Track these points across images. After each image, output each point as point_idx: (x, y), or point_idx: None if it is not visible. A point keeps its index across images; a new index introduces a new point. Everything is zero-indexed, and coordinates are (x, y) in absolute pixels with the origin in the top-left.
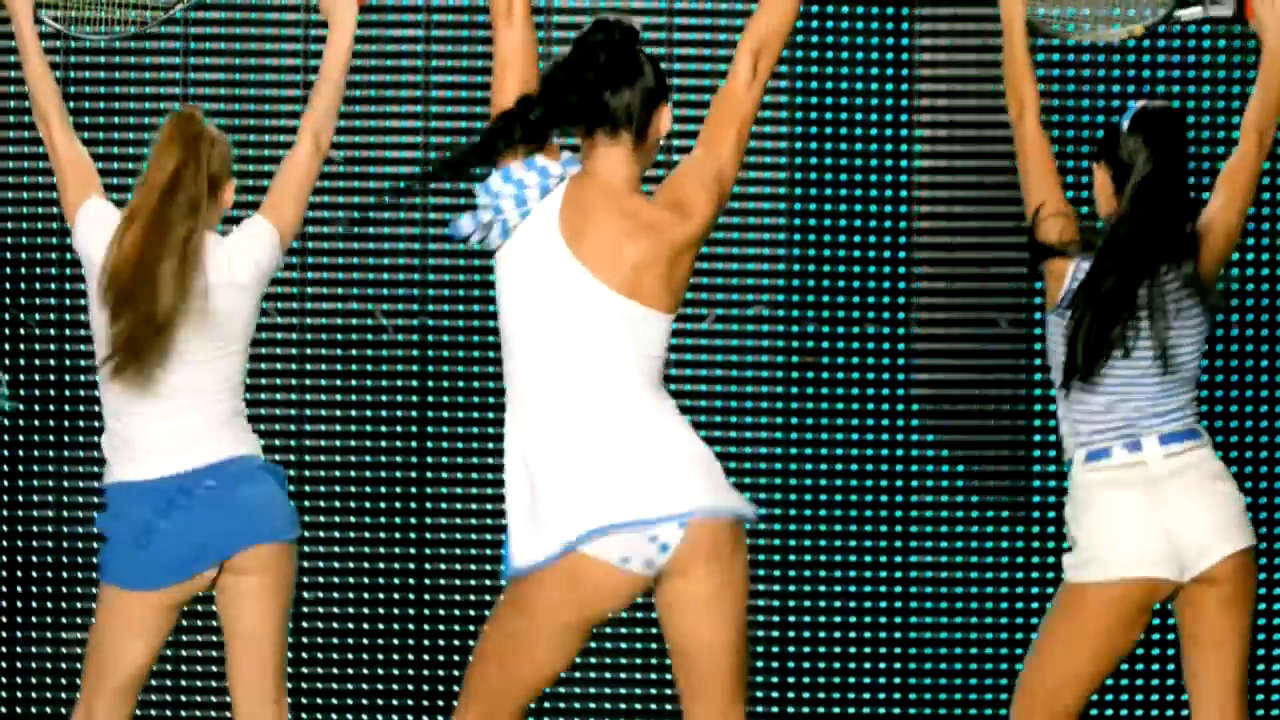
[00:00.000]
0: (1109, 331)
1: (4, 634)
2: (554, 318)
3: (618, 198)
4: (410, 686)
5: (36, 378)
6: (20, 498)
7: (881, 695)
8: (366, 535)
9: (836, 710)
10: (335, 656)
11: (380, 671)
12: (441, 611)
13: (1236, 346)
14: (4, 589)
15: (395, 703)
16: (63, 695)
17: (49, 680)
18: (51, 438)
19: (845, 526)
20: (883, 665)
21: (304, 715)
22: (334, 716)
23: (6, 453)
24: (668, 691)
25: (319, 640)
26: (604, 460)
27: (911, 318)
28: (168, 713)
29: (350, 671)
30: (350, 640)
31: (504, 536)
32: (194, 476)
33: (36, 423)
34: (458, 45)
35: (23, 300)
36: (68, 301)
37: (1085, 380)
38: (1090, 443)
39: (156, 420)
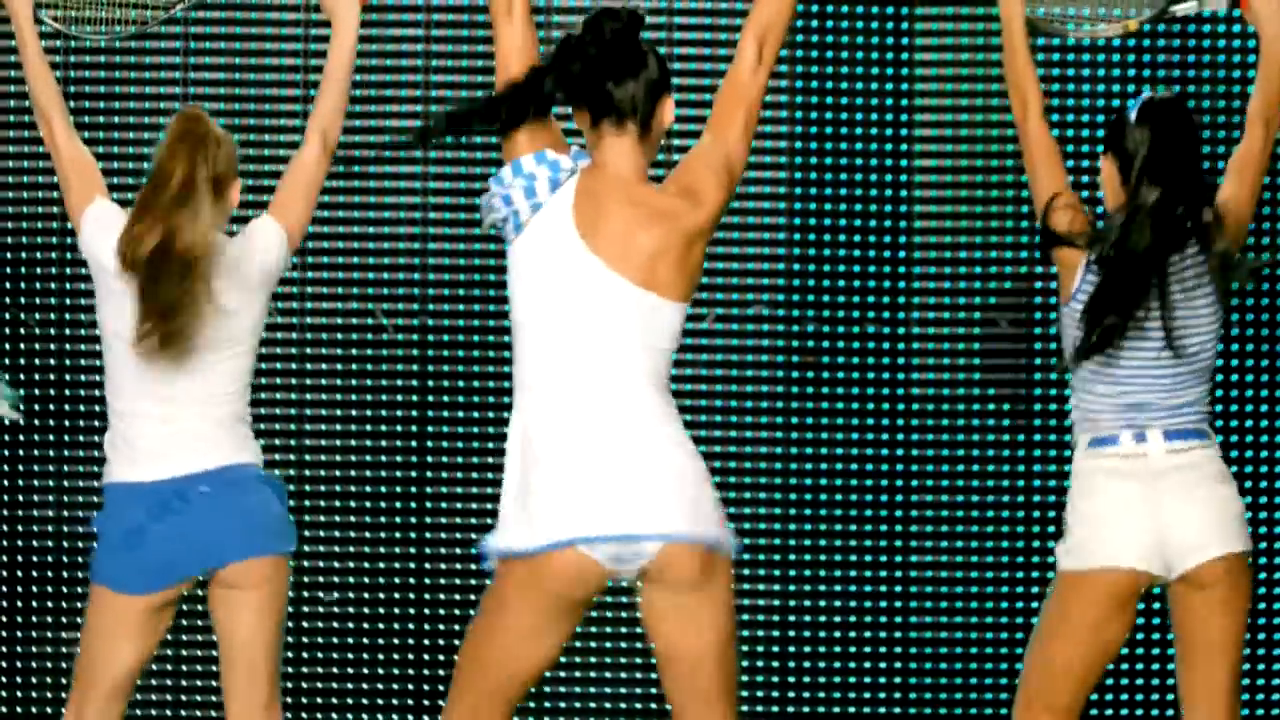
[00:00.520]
0: (1121, 314)
1: (4, 634)
2: (567, 310)
3: (628, 187)
4: (410, 686)
5: (36, 378)
6: (20, 497)
7: (881, 695)
8: (366, 535)
9: (836, 710)
10: (334, 656)
11: (380, 671)
12: (441, 611)
13: (1237, 346)
14: (4, 589)
15: (395, 702)
16: (62, 695)
17: (49, 680)
18: (51, 437)
19: (845, 526)
20: (883, 665)
21: (303, 715)
22: (334, 716)
23: (7, 453)
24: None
25: (318, 640)
26: (597, 465)
27: (911, 317)
28: (168, 712)
29: (349, 671)
30: (350, 640)
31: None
32: (191, 481)
33: (36, 422)
34: (458, 45)
35: (23, 300)
36: (68, 301)
37: (1098, 353)
38: (1097, 429)
39: (159, 423)
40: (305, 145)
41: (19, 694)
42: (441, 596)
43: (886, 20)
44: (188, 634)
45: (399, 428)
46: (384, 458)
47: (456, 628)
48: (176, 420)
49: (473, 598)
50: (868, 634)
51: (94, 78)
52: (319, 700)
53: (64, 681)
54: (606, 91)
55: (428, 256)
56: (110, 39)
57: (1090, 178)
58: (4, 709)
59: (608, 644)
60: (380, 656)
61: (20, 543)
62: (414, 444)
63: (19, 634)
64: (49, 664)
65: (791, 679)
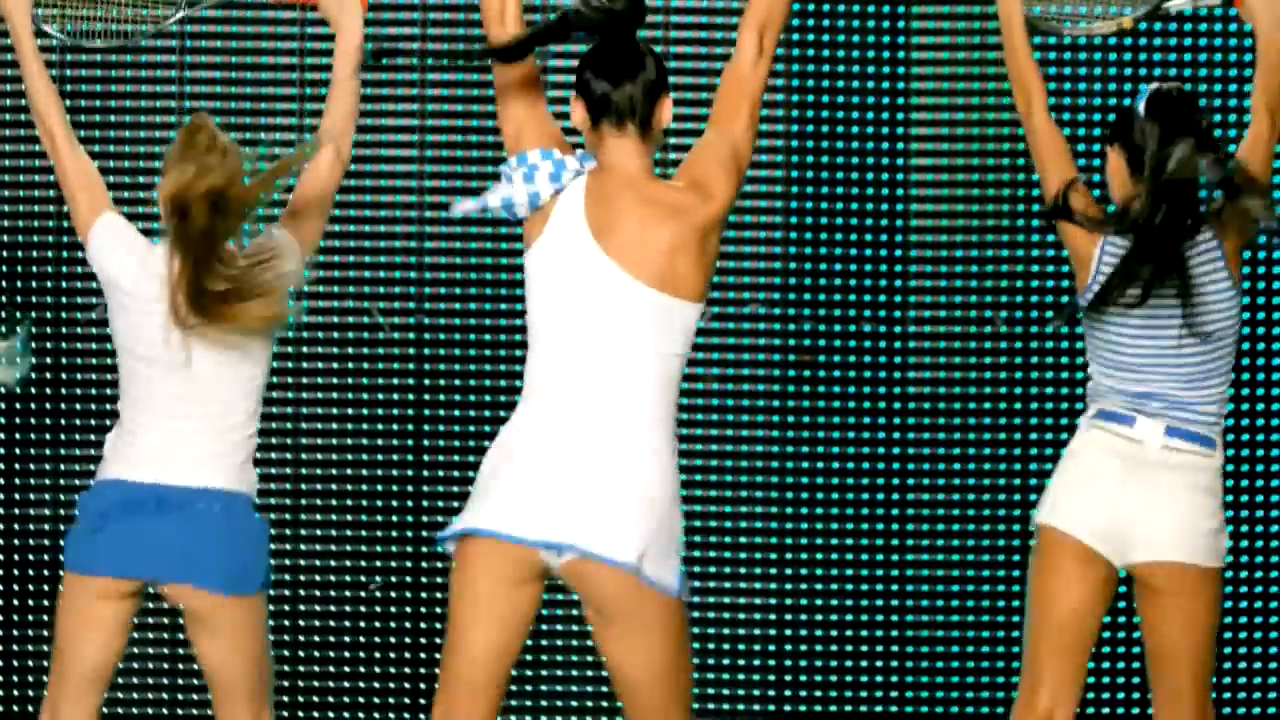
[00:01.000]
0: (1148, 269)
1: (3, 634)
2: (583, 315)
3: (638, 186)
4: (408, 686)
5: (35, 376)
6: (18, 496)
7: (880, 694)
8: (363, 534)
9: (836, 710)
10: (332, 655)
11: (378, 671)
12: (439, 610)
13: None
14: (3, 589)
15: (393, 701)
16: None
17: (48, 680)
18: (49, 437)
19: (842, 525)
20: (881, 664)
21: (301, 715)
22: (331, 715)
23: (4, 451)
24: None
25: (316, 639)
26: (561, 470)
27: (908, 317)
28: (164, 711)
29: (348, 670)
30: (347, 639)
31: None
32: (174, 492)
33: (34, 421)
34: (454, 45)
35: (22, 300)
36: (67, 301)
37: (1108, 305)
38: (1104, 400)
39: (166, 434)
40: (319, 159)
41: (17, 693)
42: (439, 596)
43: (883, 19)
44: (186, 633)
45: (395, 426)
46: (380, 457)
47: None
48: (182, 434)
49: None
50: (866, 633)
51: (91, 78)
52: (317, 700)
53: None
54: (605, 92)
55: (424, 255)
56: (107, 42)
57: (1088, 175)
58: (3, 709)
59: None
60: (377, 656)
61: (17, 542)
62: (410, 443)
63: (16, 633)
64: (47, 664)
65: (790, 678)
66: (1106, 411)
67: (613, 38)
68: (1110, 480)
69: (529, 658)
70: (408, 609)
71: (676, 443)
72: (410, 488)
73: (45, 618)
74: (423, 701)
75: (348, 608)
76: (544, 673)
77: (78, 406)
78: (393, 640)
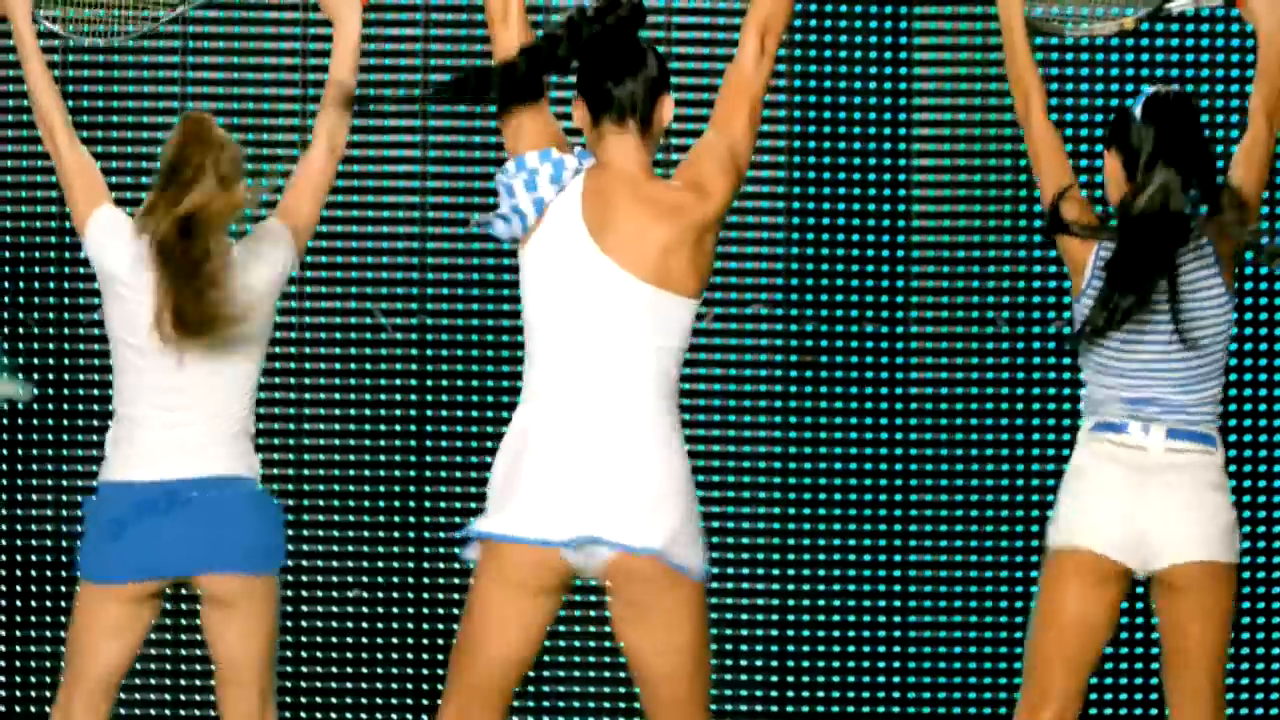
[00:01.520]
0: (1137, 289)
1: (4, 634)
2: (580, 311)
3: (636, 184)
4: (409, 686)
5: (36, 377)
6: (20, 497)
7: (881, 695)
8: (365, 535)
9: (836, 710)
10: (334, 656)
11: (379, 671)
12: (440, 611)
13: (1235, 345)
14: (4, 589)
15: (394, 702)
16: None
17: (49, 680)
18: (51, 437)
19: (844, 526)
20: (882, 665)
21: (303, 715)
22: (333, 716)
23: (6, 452)
24: None
25: (318, 640)
26: (580, 469)
27: (910, 317)
28: (167, 712)
29: (349, 671)
30: (349, 640)
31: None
32: (183, 485)
33: (36, 422)
34: (457, 45)
35: (22, 300)
36: (67, 301)
37: (1101, 334)
38: (1103, 414)
39: (162, 428)
40: (312, 147)
41: (18, 694)
42: (440, 596)
43: (885, 19)
44: (187, 634)
45: (398, 427)
46: (383, 457)
47: (455, 627)
48: (179, 426)
49: None
50: (867, 634)
51: (92, 77)
52: (318, 700)
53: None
54: (606, 89)
55: (426, 256)
56: (109, 39)
57: (1089, 176)
58: (3, 709)
59: (607, 643)
60: (379, 656)
61: (19, 543)
62: (413, 443)
63: (18, 634)
64: (49, 664)
65: (791, 679)
66: (1105, 423)
67: (614, 38)
68: (1121, 490)
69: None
70: (409, 609)
71: (682, 432)
72: (413, 488)
73: (47, 619)
74: (424, 702)
75: (349, 608)
76: (545, 673)
77: (80, 407)
78: (394, 640)
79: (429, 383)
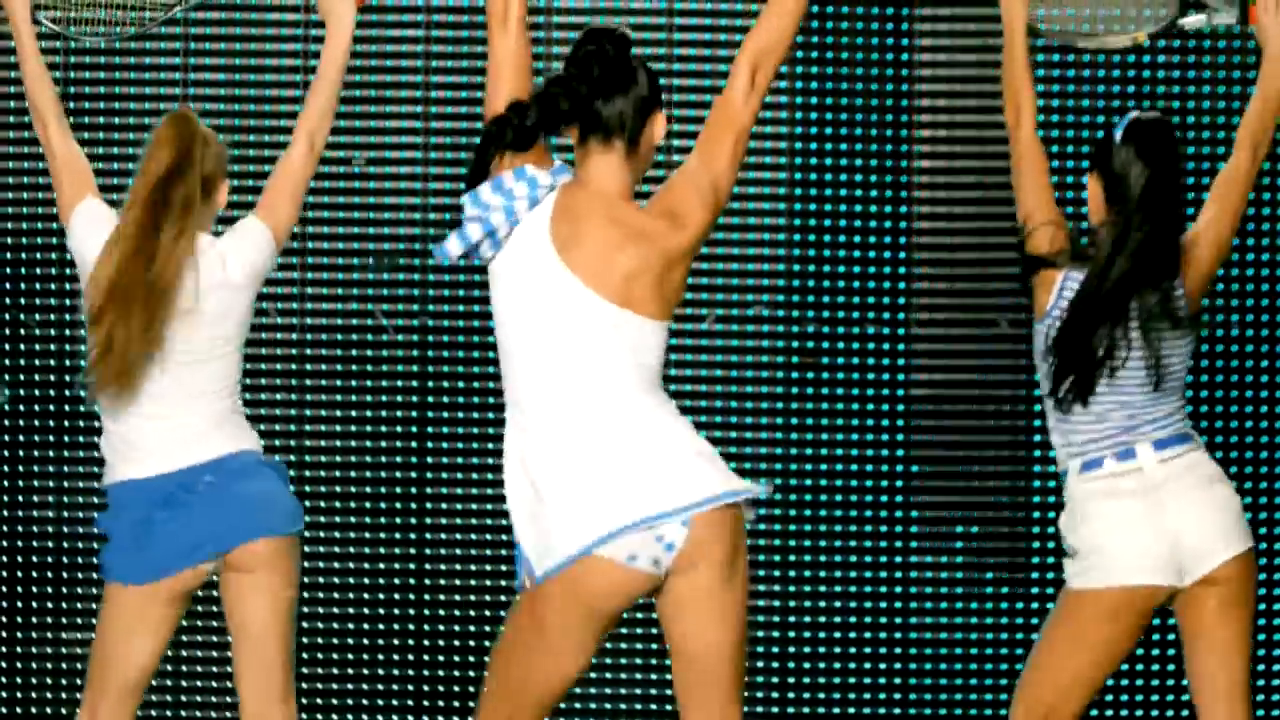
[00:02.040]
0: (1098, 348)
1: (4, 634)
2: (548, 327)
3: (609, 206)
4: (410, 687)
5: (36, 378)
6: (20, 498)
7: (882, 695)
8: (366, 536)
9: (836, 710)
10: (335, 657)
11: (380, 671)
12: (441, 612)
13: (1236, 347)
14: (4, 589)
15: (395, 703)
16: (63, 695)
17: (49, 680)
18: (51, 438)
19: (845, 526)
20: (883, 665)
21: (304, 715)
22: (334, 717)
23: (7, 453)
24: (668, 692)
25: (319, 640)
26: (605, 464)
27: (911, 318)
28: (168, 713)
29: (350, 671)
30: (350, 641)
31: (515, 549)
32: (194, 473)
33: (36, 423)
34: (458, 46)
35: (23, 300)
36: (68, 301)
37: (1083, 402)
38: (1084, 453)
39: (154, 421)
40: (293, 146)
41: (19, 694)
42: (441, 597)
43: (887, 21)
44: (189, 634)
45: (399, 429)
46: (384, 459)
47: (456, 628)
48: (169, 418)
49: (473, 598)
50: (868, 634)
51: (93, 78)
52: (319, 700)
53: (65, 682)
54: (594, 109)
55: (428, 257)
56: (110, 39)
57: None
58: (4, 709)
59: (608, 644)
60: (380, 657)
61: (20, 543)
62: (414, 445)
63: (19, 634)
64: (49, 664)
65: (791, 679)
66: (1089, 462)
67: (604, 61)
68: (1137, 518)
69: None
70: (411, 611)
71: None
72: (414, 490)
73: (48, 619)
74: (425, 704)
75: (351, 610)
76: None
77: (81, 408)
78: (396, 643)
79: (430, 384)
